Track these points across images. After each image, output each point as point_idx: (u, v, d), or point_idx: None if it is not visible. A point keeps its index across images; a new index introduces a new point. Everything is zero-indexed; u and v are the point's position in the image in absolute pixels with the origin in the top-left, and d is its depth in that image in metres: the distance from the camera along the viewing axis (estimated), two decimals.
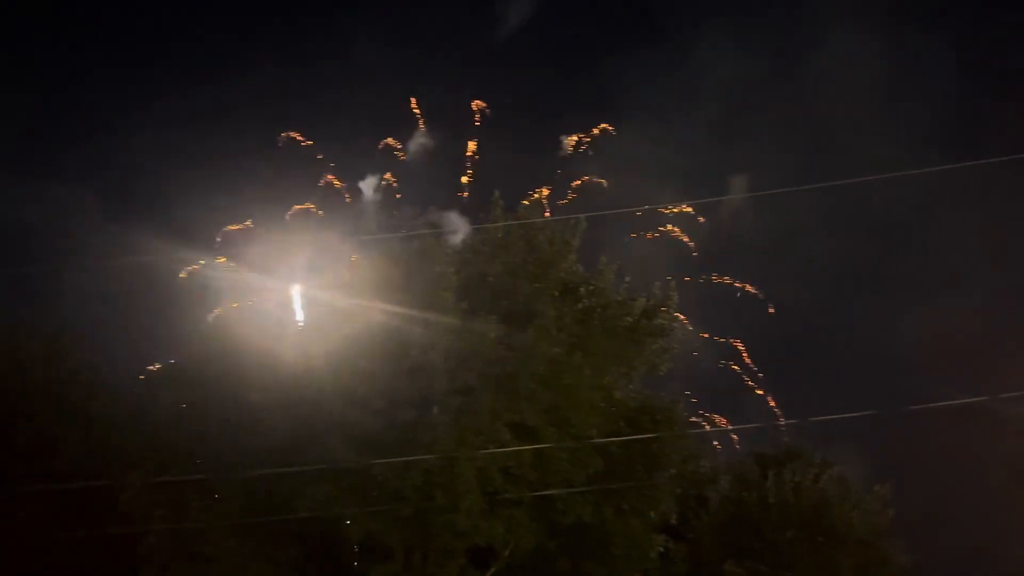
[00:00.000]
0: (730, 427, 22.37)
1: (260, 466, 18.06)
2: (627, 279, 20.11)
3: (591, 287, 19.67)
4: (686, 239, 26.20)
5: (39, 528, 18.95)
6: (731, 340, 27.37)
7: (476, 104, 25.39)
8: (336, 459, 17.65)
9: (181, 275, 21.96)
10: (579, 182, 25.50)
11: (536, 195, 20.38)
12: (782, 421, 25.36)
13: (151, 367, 20.77)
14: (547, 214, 21.73)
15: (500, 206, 19.88)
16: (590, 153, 26.35)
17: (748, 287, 26.67)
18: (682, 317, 20.63)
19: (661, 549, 20.31)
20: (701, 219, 25.75)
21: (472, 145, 25.24)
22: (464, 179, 23.79)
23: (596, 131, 26.35)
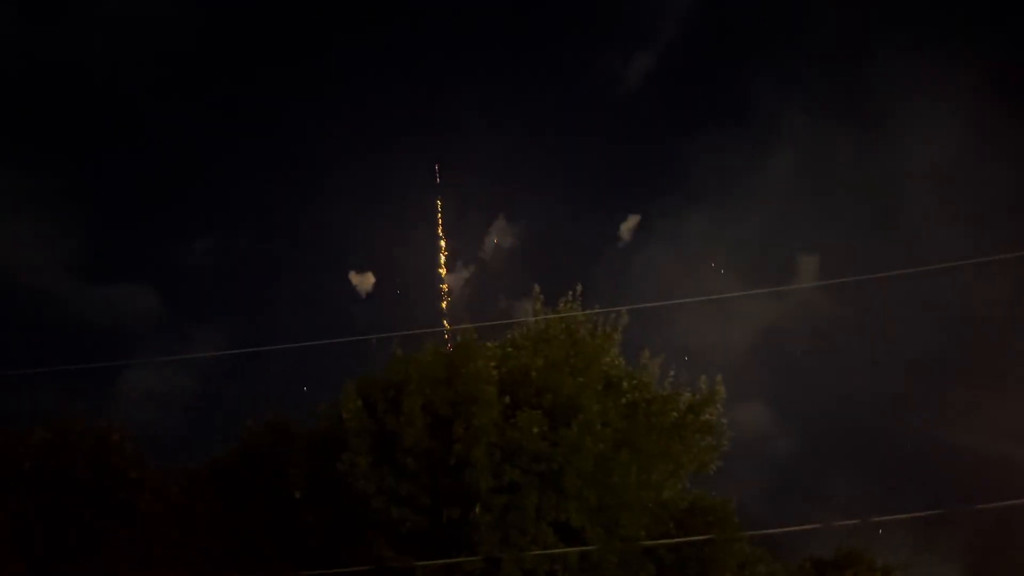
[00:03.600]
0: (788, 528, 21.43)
1: (303, 565, 17.92)
2: (672, 372, 19.88)
3: (634, 381, 19.43)
4: None
5: None
6: None
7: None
8: (379, 557, 17.42)
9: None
10: None
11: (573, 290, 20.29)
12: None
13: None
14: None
15: (540, 300, 19.97)
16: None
17: None
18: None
19: None
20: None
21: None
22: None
23: None
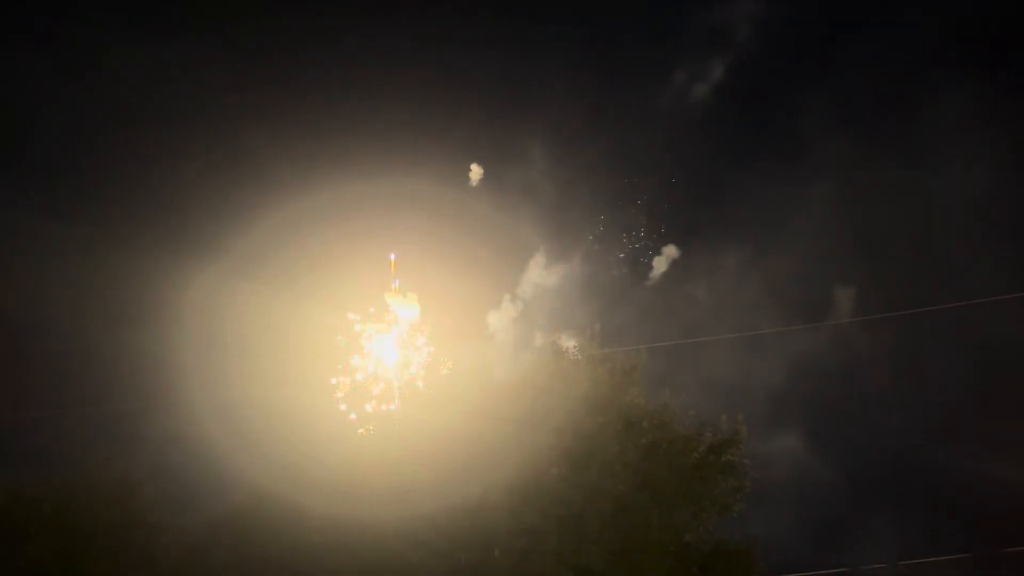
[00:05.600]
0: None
1: None
2: (692, 412, 19.62)
3: (655, 421, 19.19)
4: None
5: None
6: None
7: None
8: None
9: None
10: None
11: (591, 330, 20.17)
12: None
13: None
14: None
15: (560, 338, 19.83)
16: None
17: None
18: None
19: None
20: None
21: None
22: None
23: None
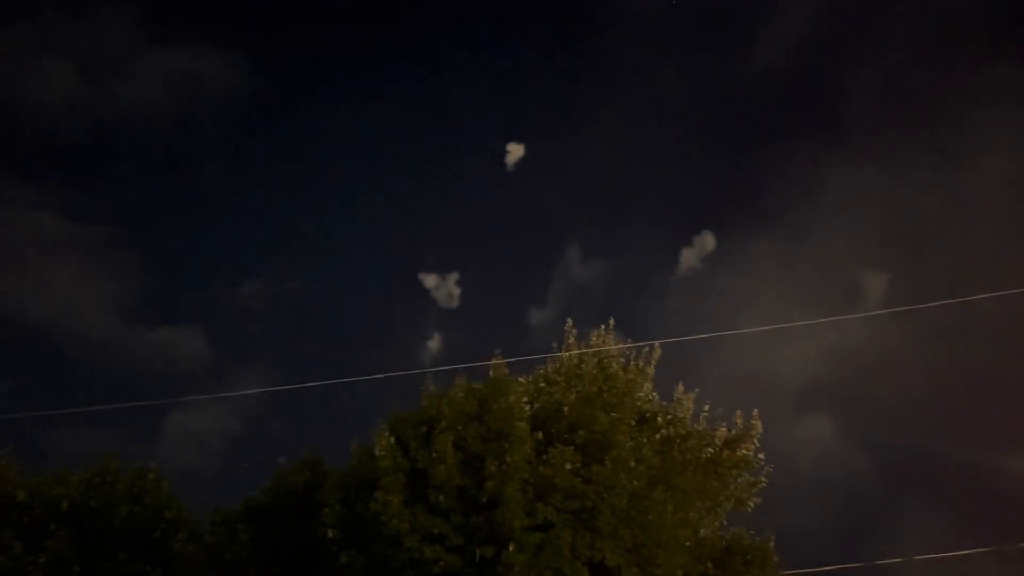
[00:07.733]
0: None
1: None
2: (706, 407, 19.60)
3: (669, 416, 19.17)
4: None
5: None
6: None
7: None
8: None
9: None
10: None
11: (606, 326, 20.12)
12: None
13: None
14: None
15: (573, 334, 19.85)
16: None
17: None
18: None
19: None
20: None
21: None
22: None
23: None
